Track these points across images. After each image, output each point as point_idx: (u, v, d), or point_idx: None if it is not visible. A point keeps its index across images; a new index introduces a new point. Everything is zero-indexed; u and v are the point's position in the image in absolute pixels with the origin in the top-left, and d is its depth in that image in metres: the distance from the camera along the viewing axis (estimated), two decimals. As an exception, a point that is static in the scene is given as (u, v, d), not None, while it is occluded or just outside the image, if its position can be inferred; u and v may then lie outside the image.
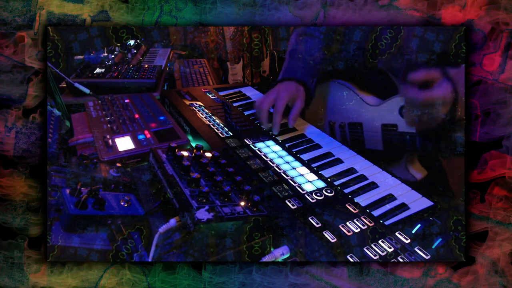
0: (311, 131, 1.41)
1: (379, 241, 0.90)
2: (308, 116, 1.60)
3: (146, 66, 2.15)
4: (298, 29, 1.52)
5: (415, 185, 1.08)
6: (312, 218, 0.95)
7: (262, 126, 1.39)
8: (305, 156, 1.24)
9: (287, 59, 1.53)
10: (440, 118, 1.19)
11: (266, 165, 1.18)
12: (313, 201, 1.02)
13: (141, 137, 1.35)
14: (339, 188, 1.08)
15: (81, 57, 2.17)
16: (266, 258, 0.89)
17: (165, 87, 2.28)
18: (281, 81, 1.43)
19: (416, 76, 1.17)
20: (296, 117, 1.36)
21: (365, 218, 0.96)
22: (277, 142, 1.33)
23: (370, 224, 0.95)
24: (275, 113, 1.34)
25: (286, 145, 1.31)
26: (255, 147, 1.29)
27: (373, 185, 1.09)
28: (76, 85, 1.71)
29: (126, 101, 1.66)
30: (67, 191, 0.96)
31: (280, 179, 1.11)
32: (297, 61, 1.48)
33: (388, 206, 1.01)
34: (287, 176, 1.13)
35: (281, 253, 0.90)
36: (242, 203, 0.94)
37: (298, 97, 1.37)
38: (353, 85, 1.49)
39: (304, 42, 1.49)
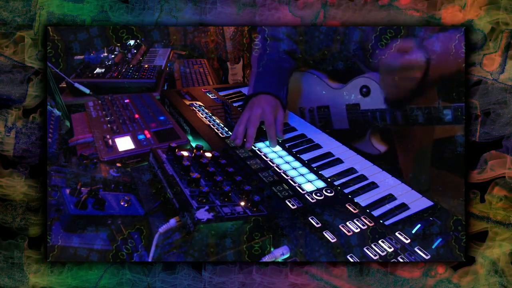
0: (311, 131, 1.41)
1: (379, 241, 0.90)
2: None
3: (146, 66, 2.15)
4: (262, 32, 1.54)
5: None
6: (312, 218, 0.95)
7: (246, 145, 1.30)
8: (305, 156, 1.24)
9: (255, 70, 1.51)
10: (414, 82, 1.35)
11: (266, 165, 1.18)
12: (313, 201, 1.02)
13: (141, 137, 1.35)
14: (339, 188, 1.08)
15: (81, 57, 2.17)
16: (266, 258, 0.89)
17: (165, 87, 2.28)
18: (257, 95, 1.39)
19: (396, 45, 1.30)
20: (283, 128, 1.37)
21: (365, 218, 0.96)
22: (277, 142, 1.33)
23: (370, 224, 0.95)
24: (269, 127, 1.31)
25: (286, 145, 1.31)
26: (255, 147, 1.29)
27: (373, 185, 1.09)
28: (76, 85, 1.71)
29: (126, 101, 1.66)
30: (67, 191, 0.96)
31: (280, 179, 1.11)
32: (267, 76, 1.47)
33: (388, 206, 1.01)
34: (287, 176, 1.13)
35: (281, 253, 0.90)
36: (242, 203, 0.94)
37: (278, 109, 1.38)
38: (323, 74, 1.63)
39: (270, 47, 1.52)
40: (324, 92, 1.59)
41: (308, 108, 1.64)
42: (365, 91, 1.48)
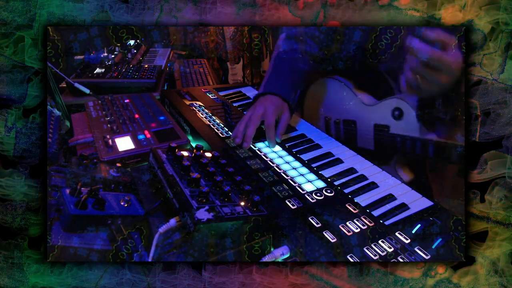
0: (311, 131, 1.41)
1: (379, 241, 0.90)
2: (305, 112, 1.62)
3: (146, 66, 2.15)
4: (288, 32, 1.49)
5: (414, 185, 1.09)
6: (312, 218, 0.95)
7: (243, 144, 1.29)
8: (305, 156, 1.24)
9: (272, 67, 1.48)
10: (441, 86, 1.17)
11: (266, 165, 1.18)
12: (313, 201, 1.02)
13: (141, 137, 1.35)
14: (339, 188, 1.08)
15: (81, 57, 2.17)
16: (266, 258, 0.89)
17: (165, 87, 2.28)
18: (264, 95, 1.37)
19: (432, 34, 1.11)
20: (284, 131, 1.33)
21: (365, 218, 0.96)
22: (277, 142, 1.33)
23: (370, 224, 0.95)
24: (269, 128, 1.29)
25: (286, 145, 1.31)
26: (255, 147, 1.29)
27: (373, 185, 1.09)
28: (76, 85, 1.71)
29: (126, 101, 1.66)
30: (67, 191, 0.96)
31: (280, 179, 1.11)
32: (281, 76, 1.43)
33: (388, 206, 1.01)
34: (287, 176, 1.13)
35: (281, 253, 0.90)
36: (242, 203, 0.94)
37: (283, 111, 1.34)
38: (349, 82, 1.50)
39: (288, 46, 1.46)
40: (353, 105, 1.47)
41: (334, 119, 1.53)
42: (397, 114, 1.36)
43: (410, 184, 1.10)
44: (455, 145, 1.23)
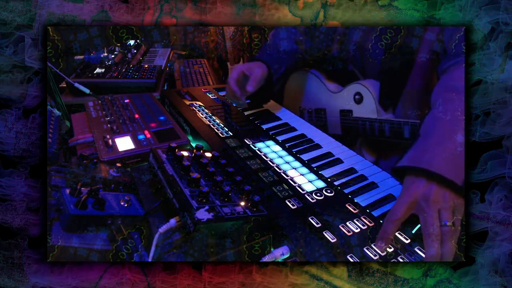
0: (311, 131, 1.41)
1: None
2: (285, 104, 1.72)
3: (146, 66, 2.15)
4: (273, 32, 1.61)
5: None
6: (312, 218, 0.95)
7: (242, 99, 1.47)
8: (305, 156, 1.24)
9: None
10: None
11: (266, 165, 1.18)
12: (313, 201, 1.02)
13: (141, 137, 1.35)
14: (339, 188, 1.08)
15: (81, 57, 2.17)
16: (266, 258, 0.89)
17: (165, 87, 2.28)
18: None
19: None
20: (255, 84, 1.44)
21: (365, 218, 0.96)
22: (277, 142, 1.33)
23: (370, 224, 0.95)
24: (228, 81, 1.45)
25: (286, 145, 1.31)
26: (255, 147, 1.29)
27: (373, 185, 1.09)
28: (76, 85, 1.71)
29: (126, 101, 1.66)
30: (67, 191, 0.96)
31: (280, 179, 1.11)
32: (269, 51, 1.56)
33: (388, 206, 1.01)
34: (287, 176, 1.13)
35: (281, 253, 0.90)
36: (242, 203, 0.94)
37: (257, 67, 1.45)
38: (322, 75, 1.63)
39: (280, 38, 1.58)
40: (322, 94, 1.60)
41: (307, 109, 1.65)
42: (357, 98, 1.48)
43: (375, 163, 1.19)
44: (408, 122, 1.35)
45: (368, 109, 1.47)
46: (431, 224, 0.88)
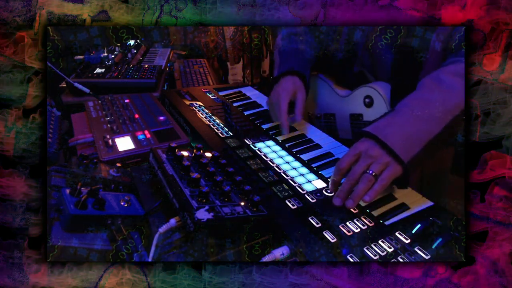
0: (311, 131, 1.41)
1: (379, 241, 0.90)
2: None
3: (146, 66, 2.15)
4: (282, 31, 1.55)
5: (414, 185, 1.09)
6: (312, 218, 0.95)
7: (284, 131, 1.35)
8: (305, 156, 1.24)
9: (278, 57, 1.54)
10: None
11: (266, 165, 1.18)
12: (313, 201, 1.02)
13: (141, 137, 1.35)
14: (339, 188, 1.08)
15: (81, 57, 2.17)
16: (266, 258, 0.89)
17: (165, 87, 2.28)
18: (278, 78, 1.42)
19: None
20: (303, 110, 1.38)
21: (365, 218, 0.96)
22: (277, 142, 1.33)
23: (370, 224, 0.95)
24: (280, 113, 1.33)
25: (286, 145, 1.31)
26: (255, 147, 1.29)
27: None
28: (76, 85, 1.71)
29: (126, 101, 1.66)
30: (67, 191, 0.96)
31: (280, 179, 1.11)
32: (291, 56, 1.48)
33: (388, 206, 1.01)
34: (287, 176, 1.13)
35: (281, 253, 0.90)
36: (242, 203, 0.94)
37: (298, 91, 1.38)
38: (329, 80, 1.58)
39: (294, 41, 1.52)
40: (331, 99, 1.55)
41: (316, 114, 1.61)
42: (368, 102, 1.42)
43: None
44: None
45: (379, 112, 1.37)
46: (353, 172, 1.00)
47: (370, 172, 0.98)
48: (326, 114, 1.57)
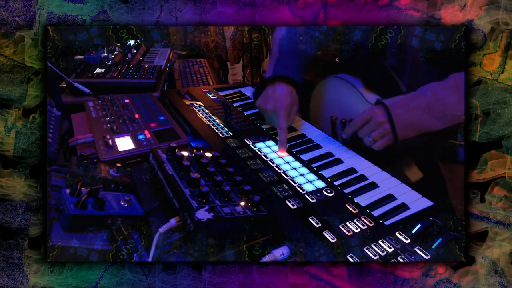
0: (311, 131, 1.41)
1: (379, 241, 0.90)
2: (311, 112, 1.61)
3: (146, 66, 2.15)
4: (278, 33, 1.50)
5: (414, 185, 1.08)
6: (312, 218, 0.95)
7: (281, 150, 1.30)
8: (305, 156, 1.24)
9: (277, 51, 1.50)
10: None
11: (266, 165, 1.18)
12: (313, 201, 1.02)
13: (141, 137, 1.35)
14: (339, 188, 1.08)
15: (81, 57, 2.17)
16: (266, 258, 0.89)
17: (165, 87, 2.28)
18: (273, 82, 1.37)
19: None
20: (293, 121, 1.37)
21: (365, 218, 0.96)
22: (277, 142, 1.33)
23: (370, 224, 0.95)
24: (280, 132, 1.29)
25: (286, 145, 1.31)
26: (255, 147, 1.29)
27: (373, 185, 1.09)
28: (76, 85, 1.71)
29: (126, 101, 1.66)
30: (67, 191, 0.96)
31: (280, 179, 1.11)
32: (287, 59, 1.46)
33: (388, 206, 1.01)
34: (287, 176, 1.13)
35: (281, 253, 0.90)
36: (242, 203, 0.94)
37: (294, 105, 1.35)
38: (358, 81, 1.49)
39: (294, 42, 1.47)
40: (358, 104, 1.44)
41: (340, 119, 1.50)
42: None
43: (422, 182, 1.21)
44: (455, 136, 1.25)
45: None
46: (355, 122, 1.22)
47: (370, 137, 1.18)
48: (351, 120, 1.43)
